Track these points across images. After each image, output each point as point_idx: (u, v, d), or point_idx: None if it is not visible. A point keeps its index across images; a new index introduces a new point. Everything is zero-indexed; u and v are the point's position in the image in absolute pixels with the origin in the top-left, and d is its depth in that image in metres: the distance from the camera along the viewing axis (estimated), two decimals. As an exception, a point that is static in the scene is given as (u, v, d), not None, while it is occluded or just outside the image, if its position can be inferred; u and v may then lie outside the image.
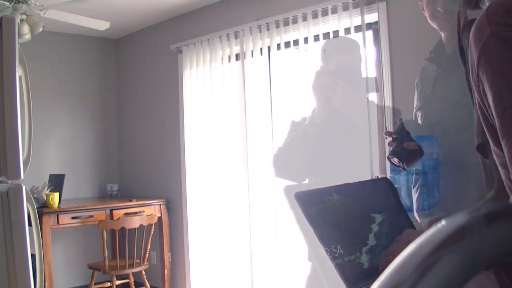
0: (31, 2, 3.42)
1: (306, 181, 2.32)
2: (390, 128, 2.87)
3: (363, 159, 2.31)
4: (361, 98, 2.33)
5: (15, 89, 2.07)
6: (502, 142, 0.66)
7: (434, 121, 1.96)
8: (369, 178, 2.85)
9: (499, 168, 0.70)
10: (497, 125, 0.66)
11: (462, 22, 0.76)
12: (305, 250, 2.61)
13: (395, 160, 1.76)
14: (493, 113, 0.66)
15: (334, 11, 3.14)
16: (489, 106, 0.67)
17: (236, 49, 3.84)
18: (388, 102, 2.93)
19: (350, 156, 2.23)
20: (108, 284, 4.11)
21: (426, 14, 1.87)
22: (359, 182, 1.20)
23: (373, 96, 2.99)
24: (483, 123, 0.71)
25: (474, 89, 0.74)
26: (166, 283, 4.30)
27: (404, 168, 1.78)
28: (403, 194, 2.22)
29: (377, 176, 2.72)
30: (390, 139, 1.83)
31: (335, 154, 2.20)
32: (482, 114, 0.70)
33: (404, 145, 1.76)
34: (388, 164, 2.38)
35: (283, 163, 2.24)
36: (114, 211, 4.17)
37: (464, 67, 0.78)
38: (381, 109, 2.94)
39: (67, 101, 4.83)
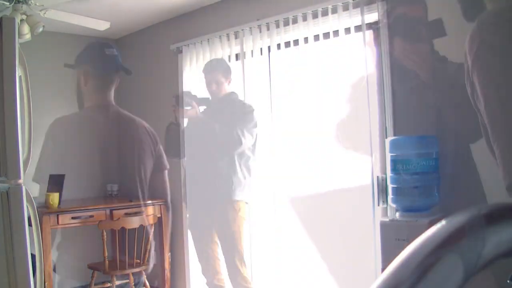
0: (31, 2, 3.41)
1: None
2: (390, 128, 2.86)
3: None
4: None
5: (15, 89, 2.07)
6: (494, 146, 0.67)
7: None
8: (369, 177, 2.85)
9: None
10: (489, 130, 0.67)
11: (470, 61, 0.76)
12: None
13: None
14: (485, 118, 0.67)
15: (334, 11, 3.14)
16: (482, 111, 0.68)
17: (236, 49, 3.84)
18: (388, 102, 2.93)
19: None
20: (108, 284, 4.10)
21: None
22: None
23: (373, 97, 2.99)
24: (481, 125, 0.71)
25: (470, 97, 0.75)
26: (166, 283, 4.30)
27: None
28: (403, 194, 2.22)
29: (377, 176, 2.73)
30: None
31: None
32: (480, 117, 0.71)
33: None
34: (388, 164, 2.38)
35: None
36: (114, 211, 4.17)
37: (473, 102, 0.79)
38: (381, 109, 2.94)
39: (67, 101, 4.82)
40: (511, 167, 0.68)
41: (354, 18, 3.06)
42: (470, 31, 0.69)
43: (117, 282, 4.10)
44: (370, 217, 2.84)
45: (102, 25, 3.95)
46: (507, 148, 0.67)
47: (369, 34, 3.07)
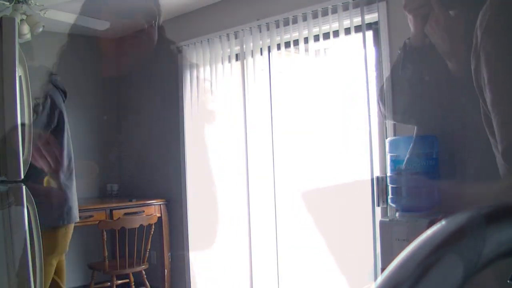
0: (31, 2, 3.41)
1: None
2: (390, 130, 2.86)
3: None
4: None
5: (15, 89, 2.07)
6: (492, 115, 0.67)
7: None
8: (369, 177, 2.85)
9: (496, 154, 0.71)
10: (489, 98, 0.67)
11: (479, 34, 0.77)
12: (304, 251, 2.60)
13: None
14: (487, 89, 0.67)
15: (334, 11, 3.14)
16: (484, 88, 0.69)
17: (236, 49, 3.84)
18: (388, 101, 2.93)
19: None
20: (108, 284, 4.10)
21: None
22: None
23: (373, 97, 2.99)
24: (481, 110, 0.72)
25: (474, 77, 0.75)
26: (166, 283, 4.30)
27: None
28: (403, 194, 2.22)
29: (377, 176, 2.72)
30: None
31: None
32: (483, 101, 0.71)
33: None
34: (388, 164, 2.38)
35: None
36: (114, 211, 4.17)
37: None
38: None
39: (67, 101, 4.82)
40: (508, 131, 0.69)
41: (354, 18, 3.06)
42: (483, 8, 0.70)
43: (117, 282, 4.10)
44: (370, 217, 2.84)
45: (102, 25, 3.95)
46: (506, 113, 0.68)
47: (369, 34, 3.07)
